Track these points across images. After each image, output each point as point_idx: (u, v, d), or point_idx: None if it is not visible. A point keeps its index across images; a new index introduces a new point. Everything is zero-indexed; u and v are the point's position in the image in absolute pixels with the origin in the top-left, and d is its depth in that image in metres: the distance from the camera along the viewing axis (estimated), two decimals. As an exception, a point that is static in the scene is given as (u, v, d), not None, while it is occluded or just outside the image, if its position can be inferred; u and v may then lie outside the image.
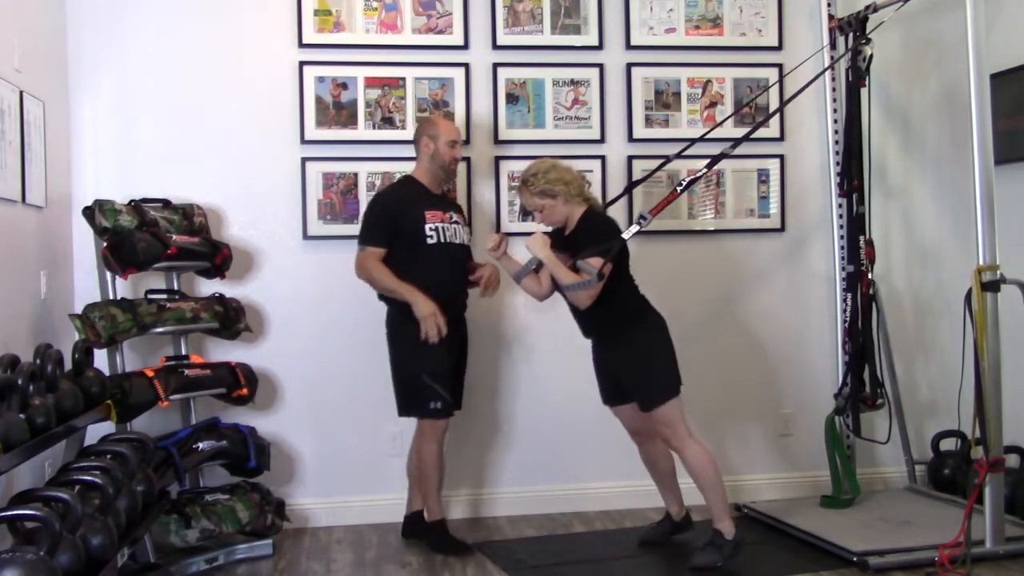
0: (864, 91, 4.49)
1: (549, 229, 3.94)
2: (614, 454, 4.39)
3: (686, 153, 4.28)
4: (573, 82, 4.72)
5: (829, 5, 4.78)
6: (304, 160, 4.53)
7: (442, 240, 4.09)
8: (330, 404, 4.56)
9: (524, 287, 4.01)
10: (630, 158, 4.73)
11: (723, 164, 4.73)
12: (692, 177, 3.98)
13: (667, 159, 4.34)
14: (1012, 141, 4.40)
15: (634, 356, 3.83)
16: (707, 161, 4.02)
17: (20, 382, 2.85)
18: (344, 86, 4.55)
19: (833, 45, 4.75)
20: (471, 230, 4.47)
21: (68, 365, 3.42)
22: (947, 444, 4.70)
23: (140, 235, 3.84)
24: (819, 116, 4.90)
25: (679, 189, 4.01)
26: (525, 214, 4.45)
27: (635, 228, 3.83)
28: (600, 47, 4.75)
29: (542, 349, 4.66)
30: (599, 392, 4.07)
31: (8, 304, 3.49)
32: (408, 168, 4.27)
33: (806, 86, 4.27)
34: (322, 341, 4.55)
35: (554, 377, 4.66)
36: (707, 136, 4.41)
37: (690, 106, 4.81)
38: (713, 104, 4.82)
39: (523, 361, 4.71)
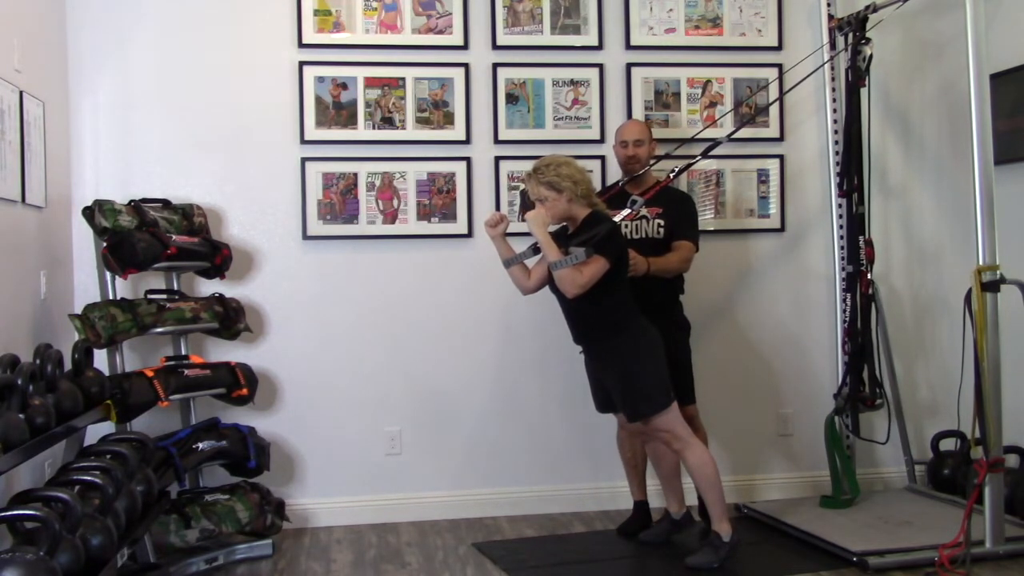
0: (864, 91, 4.49)
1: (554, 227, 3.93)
2: (614, 454, 4.38)
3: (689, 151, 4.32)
4: (573, 82, 4.72)
5: (829, 5, 4.78)
6: (304, 160, 4.53)
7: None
8: (330, 404, 4.56)
9: (511, 274, 3.91)
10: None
11: (723, 164, 4.77)
12: (685, 164, 4.19)
13: (667, 156, 4.36)
14: (1012, 141, 4.40)
15: (619, 369, 3.80)
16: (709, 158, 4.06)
17: (20, 382, 2.85)
18: (344, 86, 4.55)
19: (833, 45, 4.74)
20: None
21: (68, 365, 3.43)
22: (947, 444, 4.70)
23: (140, 235, 3.84)
24: (819, 116, 4.90)
25: (671, 175, 4.21)
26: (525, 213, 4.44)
27: (626, 211, 3.88)
28: (600, 47, 4.75)
29: (545, 349, 4.65)
30: (592, 399, 4.08)
31: (8, 304, 3.49)
32: (406, 168, 4.25)
33: (806, 77, 4.35)
34: (322, 341, 4.55)
35: (556, 377, 4.66)
36: (698, 136, 4.50)
37: (690, 106, 4.80)
38: (713, 104, 4.81)
39: (525, 361, 4.71)
